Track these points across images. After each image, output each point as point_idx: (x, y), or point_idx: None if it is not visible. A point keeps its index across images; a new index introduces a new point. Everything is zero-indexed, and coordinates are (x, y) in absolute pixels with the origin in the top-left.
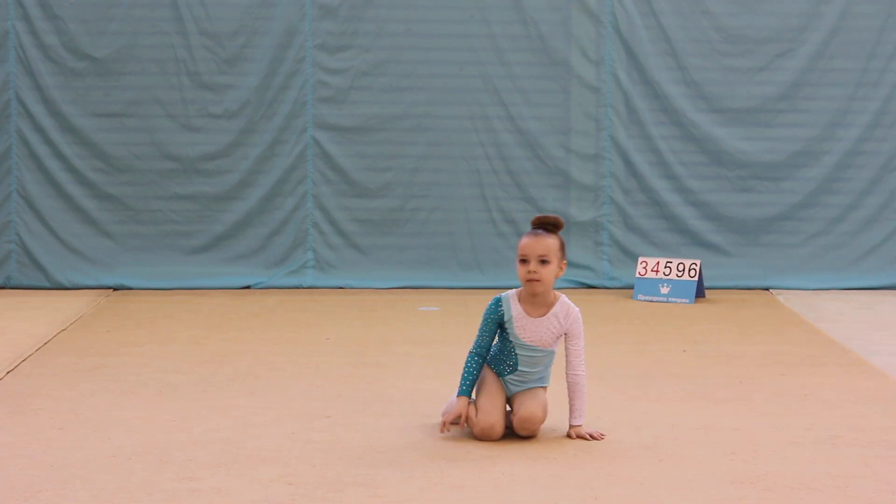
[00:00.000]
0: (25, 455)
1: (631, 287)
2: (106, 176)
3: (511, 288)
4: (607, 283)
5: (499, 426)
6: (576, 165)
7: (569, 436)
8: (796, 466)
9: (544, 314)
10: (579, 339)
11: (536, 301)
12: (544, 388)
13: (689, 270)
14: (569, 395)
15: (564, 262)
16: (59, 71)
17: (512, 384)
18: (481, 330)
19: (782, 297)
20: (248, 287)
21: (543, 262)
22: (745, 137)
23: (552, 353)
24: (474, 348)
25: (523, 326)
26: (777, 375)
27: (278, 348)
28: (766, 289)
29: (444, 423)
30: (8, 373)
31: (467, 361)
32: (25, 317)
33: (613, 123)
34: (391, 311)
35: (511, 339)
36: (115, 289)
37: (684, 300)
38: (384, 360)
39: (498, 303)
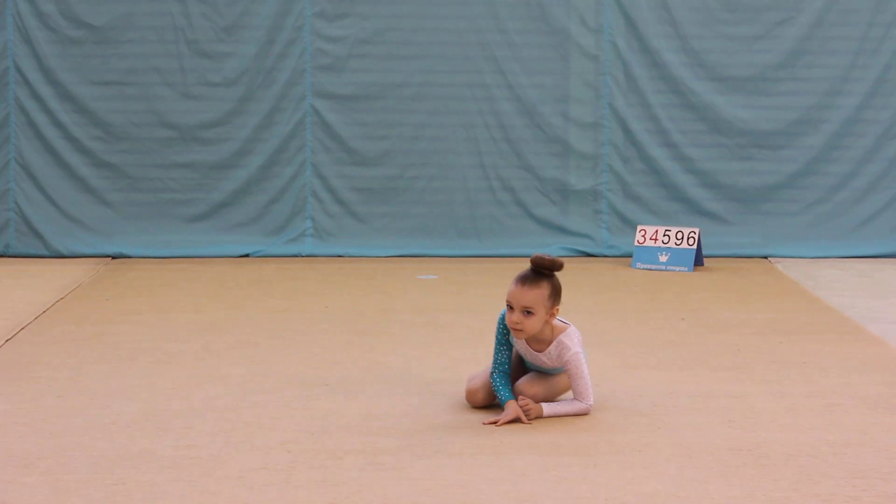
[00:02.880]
0: (24, 423)
1: (629, 255)
2: (104, 144)
3: (508, 257)
4: (606, 252)
5: (481, 393)
6: (574, 134)
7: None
8: (794, 434)
9: (544, 350)
10: (578, 379)
11: (532, 337)
12: (562, 373)
13: (688, 239)
14: (567, 411)
15: (557, 307)
16: (57, 39)
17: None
18: (497, 349)
19: (781, 265)
20: (246, 255)
21: (528, 313)
22: (744, 106)
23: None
24: (495, 367)
25: (525, 352)
26: (775, 343)
27: (277, 316)
28: (765, 257)
29: (495, 422)
30: (7, 341)
31: (493, 379)
32: (24, 285)
33: (612, 92)
34: (390, 279)
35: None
36: (114, 257)
37: (683, 268)
38: (383, 328)
39: (504, 323)
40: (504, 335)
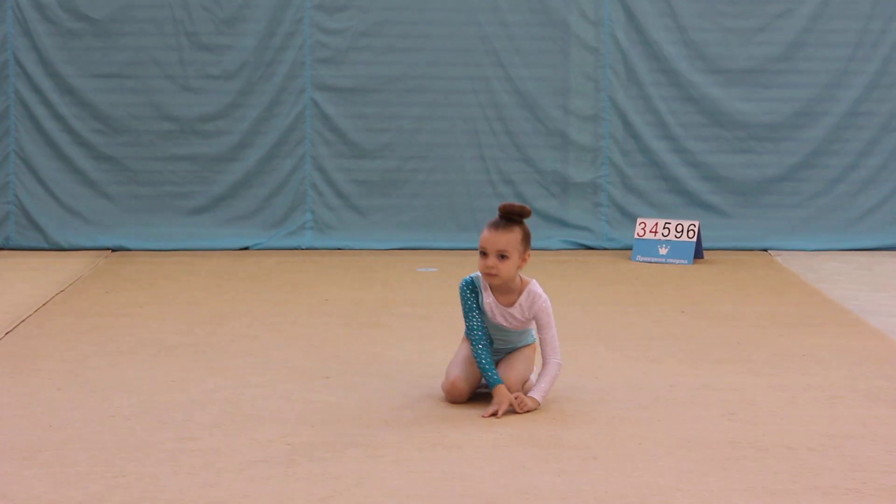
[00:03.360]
0: (24, 415)
1: (629, 248)
2: (104, 137)
3: None
4: (606, 244)
5: (459, 382)
6: (574, 126)
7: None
8: (794, 427)
9: (513, 302)
10: (549, 329)
11: (502, 289)
12: (529, 345)
13: (688, 231)
14: (541, 375)
15: (528, 253)
16: (56, 31)
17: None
18: (467, 315)
19: (781, 258)
20: (246, 248)
21: (503, 257)
22: (744, 98)
23: (527, 329)
24: (471, 335)
25: (493, 313)
26: (775, 336)
27: (277, 309)
28: (765, 250)
29: (492, 414)
30: (7, 333)
31: (476, 354)
32: (24, 278)
33: (612, 84)
34: (389, 272)
35: (484, 319)
36: (114, 250)
37: (683, 261)
38: (382, 321)
39: (471, 286)
40: (472, 300)
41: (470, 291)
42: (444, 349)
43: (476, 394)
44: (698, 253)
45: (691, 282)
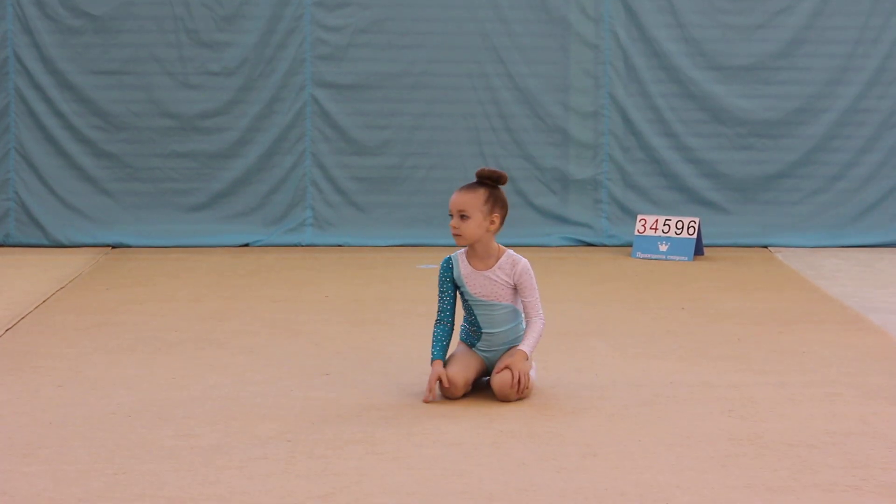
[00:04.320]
0: (25, 412)
1: (629, 245)
2: (104, 133)
3: (509, 246)
4: (606, 241)
5: (454, 377)
6: (574, 123)
7: (510, 367)
8: (794, 423)
9: (491, 266)
10: (533, 291)
11: (478, 253)
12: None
13: (688, 228)
14: (525, 334)
15: (497, 214)
16: (56, 28)
17: (482, 352)
18: (440, 294)
19: (781, 254)
20: (246, 245)
21: (464, 217)
22: (744, 95)
23: (511, 308)
24: (438, 315)
25: (473, 282)
26: (775, 333)
27: (277, 306)
28: (765, 246)
29: (428, 391)
30: (7, 330)
31: (434, 331)
32: (24, 274)
33: (612, 81)
34: (390, 268)
35: (467, 298)
36: (114, 246)
37: (683, 258)
38: (383, 317)
39: (448, 262)
40: (448, 281)
41: (445, 268)
42: None
43: (475, 392)
44: (698, 249)
45: (691, 278)
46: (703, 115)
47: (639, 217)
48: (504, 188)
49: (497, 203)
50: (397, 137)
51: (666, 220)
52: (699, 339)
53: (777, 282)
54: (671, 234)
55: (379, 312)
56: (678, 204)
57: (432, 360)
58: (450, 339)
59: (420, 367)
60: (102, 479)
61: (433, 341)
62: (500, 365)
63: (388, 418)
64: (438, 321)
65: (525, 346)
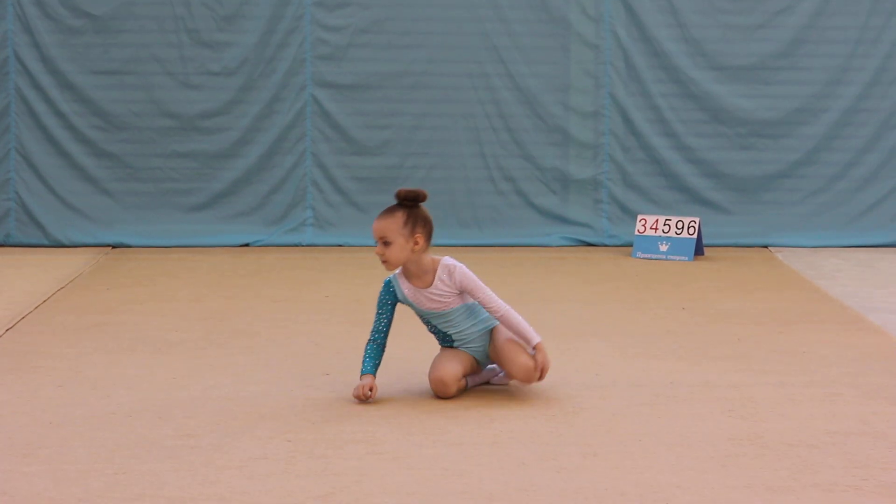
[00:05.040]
0: (25, 412)
1: (630, 245)
2: (105, 133)
3: (508, 246)
4: (606, 241)
5: (445, 377)
6: (575, 123)
7: (535, 358)
8: (795, 423)
9: (430, 282)
10: (481, 290)
11: (413, 272)
12: (495, 328)
13: (689, 228)
14: (510, 329)
15: (419, 234)
16: (57, 28)
17: (465, 348)
18: (377, 315)
19: (781, 254)
20: (247, 245)
21: (386, 243)
22: (744, 95)
23: (464, 307)
24: (372, 335)
25: (420, 299)
26: (776, 333)
27: (277, 306)
28: (766, 246)
29: (355, 397)
30: (7, 330)
31: (366, 347)
32: (24, 274)
33: (613, 81)
34: None
35: (421, 314)
36: (114, 246)
37: (683, 258)
38: None
39: (388, 285)
40: (387, 304)
41: (386, 291)
42: None
43: (475, 392)
44: (699, 249)
45: (692, 278)
46: (703, 115)
47: (639, 217)
48: (501, 188)
49: (418, 223)
50: (397, 137)
51: (666, 220)
52: (699, 339)
53: (777, 282)
54: (671, 234)
55: None
56: (678, 204)
57: (362, 373)
58: (381, 357)
59: (420, 367)
60: (102, 479)
61: (364, 357)
62: (510, 360)
63: (388, 418)
64: (371, 340)
65: (535, 337)
